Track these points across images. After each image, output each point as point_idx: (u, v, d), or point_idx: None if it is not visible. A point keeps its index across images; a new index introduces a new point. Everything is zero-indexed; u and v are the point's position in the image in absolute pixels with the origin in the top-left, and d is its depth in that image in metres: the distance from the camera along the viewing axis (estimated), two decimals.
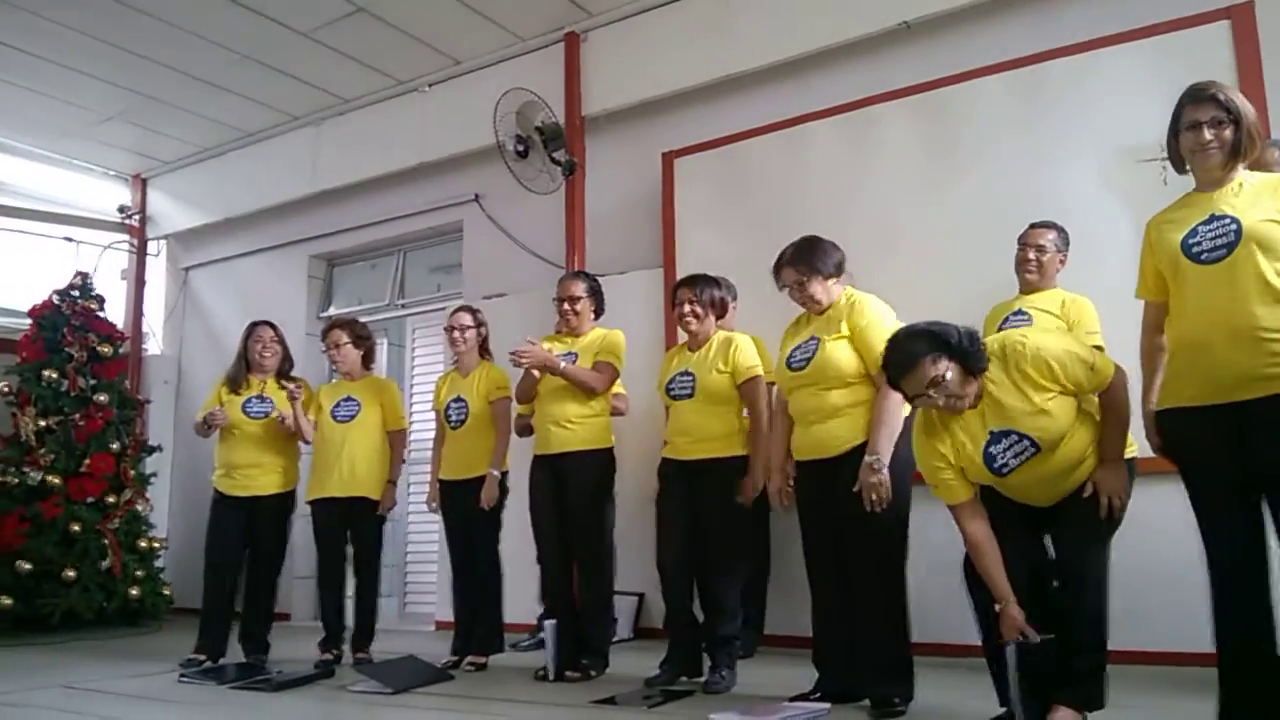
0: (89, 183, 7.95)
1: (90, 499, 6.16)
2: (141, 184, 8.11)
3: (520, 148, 5.40)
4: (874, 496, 2.87)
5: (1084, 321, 3.46)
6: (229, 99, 6.72)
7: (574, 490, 3.87)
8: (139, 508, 6.41)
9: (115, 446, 6.37)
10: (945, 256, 4.34)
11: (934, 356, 2.44)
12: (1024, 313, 3.56)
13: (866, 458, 2.89)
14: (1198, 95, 2.37)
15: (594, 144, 5.78)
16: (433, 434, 4.56)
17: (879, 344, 2.73)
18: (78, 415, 6.27)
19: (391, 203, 6.70)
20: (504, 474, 4.18)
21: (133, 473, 6.42)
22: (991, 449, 2.50)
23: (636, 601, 5.03)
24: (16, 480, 6.03)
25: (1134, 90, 3.99)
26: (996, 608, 2.48)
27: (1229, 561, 2.30)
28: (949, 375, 2.43)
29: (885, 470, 2.87)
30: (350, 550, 4.52)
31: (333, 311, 7.18)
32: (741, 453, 3.56)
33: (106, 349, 6.57)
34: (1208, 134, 2.34)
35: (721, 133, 5.22)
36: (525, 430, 4.33)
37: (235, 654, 4.48)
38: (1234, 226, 2.28)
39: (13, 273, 7.40)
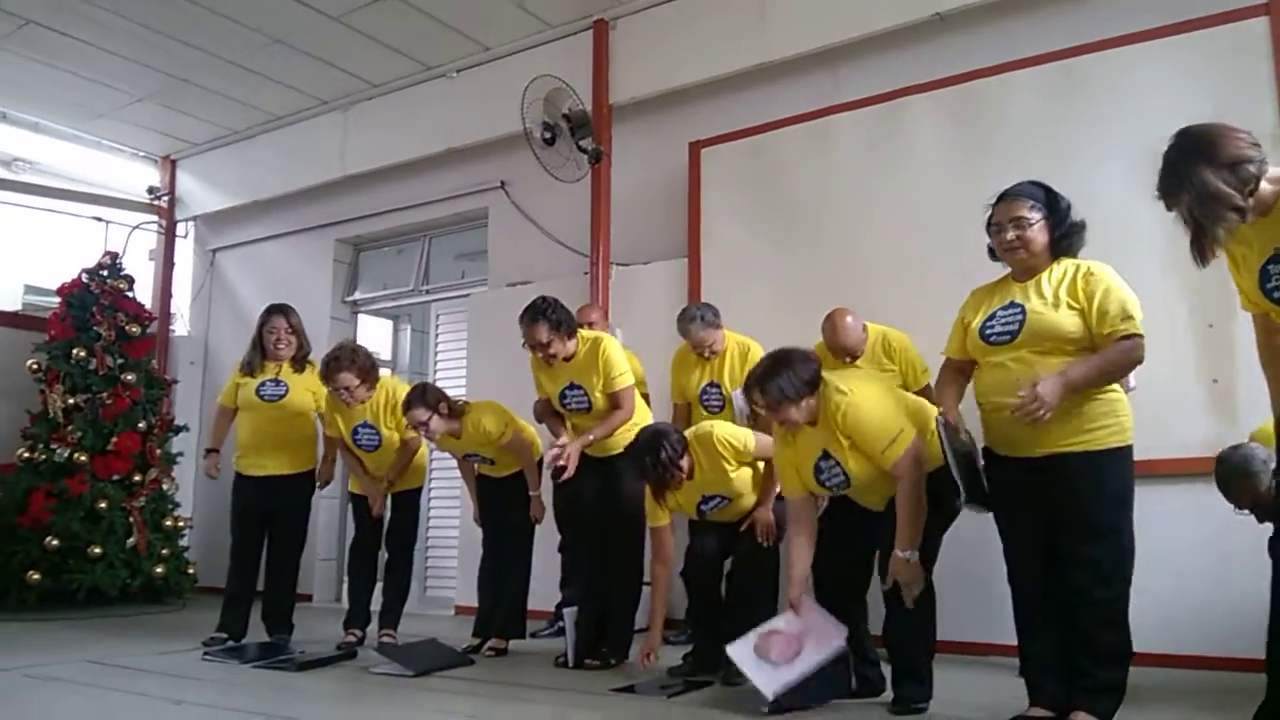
0: (119, 163, 8.01)
1: (116, 477, 6.22)
2: (171, 165, 8.16)
3: (547, 135, 5.38)
4: (912, 592, 2.85)
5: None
6: (259, 82, 6.74)
7: (621, 487, 3.95)
8: (165, 487, 6.48)
9: (142, 425, 6.44)
10: (974, 251, 4.28)
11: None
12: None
13: (898, 553, 2.83)
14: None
15: (621, 132, 5.77)
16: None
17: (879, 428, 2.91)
18: (105, 394, 6.33)
19: (418, 188, 6.71)
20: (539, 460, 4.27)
21: (159, 452, 6.49)
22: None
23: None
24: (44, 456, 6.11)
25: (1171, 87, 3.93)
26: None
27: None
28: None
29: (917, 560, 2.83)
30: (384, 534, 4.59)
31: (358, 296, 7.23)
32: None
33: (134, 329, 6.63)
34: (1231, 217, 2.16)
35: (749, 123, 5.18)
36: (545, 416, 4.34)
37: (258, 633, 4.53)
38: None
39: (43, 251, 7.48)
